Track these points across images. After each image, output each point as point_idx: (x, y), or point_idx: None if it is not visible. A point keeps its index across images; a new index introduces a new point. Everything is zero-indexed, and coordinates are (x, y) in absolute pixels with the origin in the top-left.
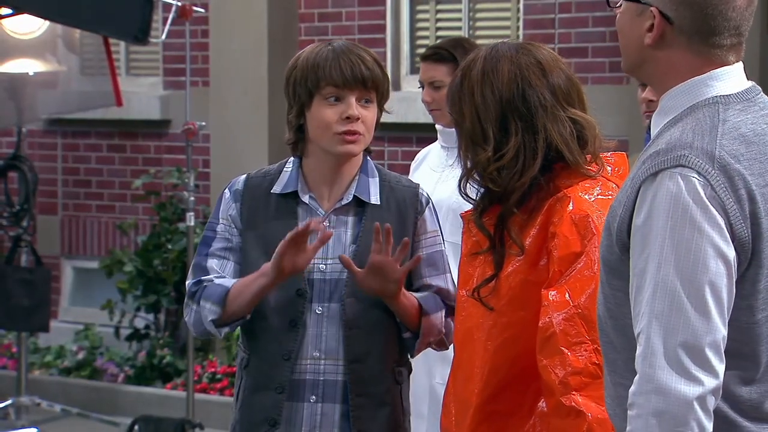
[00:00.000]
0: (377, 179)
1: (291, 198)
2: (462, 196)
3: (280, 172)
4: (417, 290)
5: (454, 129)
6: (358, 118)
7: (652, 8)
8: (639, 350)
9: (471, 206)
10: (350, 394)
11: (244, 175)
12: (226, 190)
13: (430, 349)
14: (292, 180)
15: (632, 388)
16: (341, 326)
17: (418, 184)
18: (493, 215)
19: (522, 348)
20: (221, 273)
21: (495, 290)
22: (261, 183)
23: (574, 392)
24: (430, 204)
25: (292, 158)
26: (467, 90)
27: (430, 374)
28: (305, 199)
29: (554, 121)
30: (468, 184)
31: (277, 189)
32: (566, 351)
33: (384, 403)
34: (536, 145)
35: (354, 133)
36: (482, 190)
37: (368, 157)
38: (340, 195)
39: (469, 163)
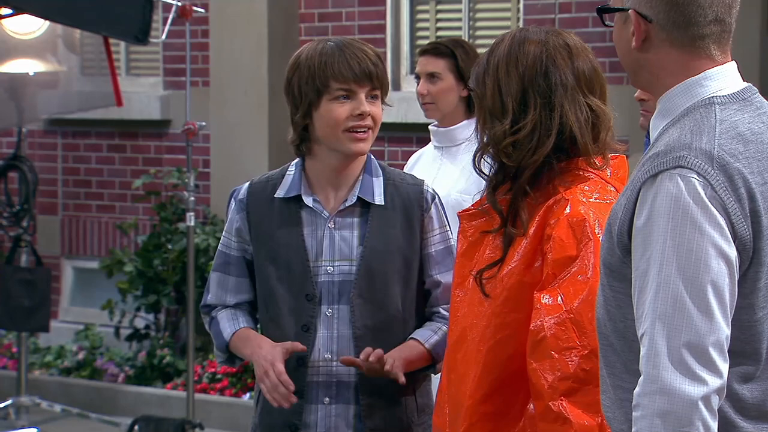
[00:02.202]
0: (381, 178)
1: (294, 202)
2: (476, 171)
3: (283, 176)
4: (427, 288)
5: (447, 128)
6: (369, 114)
7: (630, 11)
8: (643, 351)
9: (469, 205)
10: (360, 393)
11: (247, 183)
12: (231, 201)
13: None
14: (295, 183)
15: (637, 389)
16: (351, 327)
17: (423, 181)
18: (507, 194)
19: (514, 350)
20: (222, 296)
21: (494, 279)
22: (264, 188)
23: (562, 398)
24: (437, 199)
25: (294, 161)
26: (492, 66)
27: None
28: (308, 202)
29: (572, 103)
30: (483, 160)
31: (280, 193)
32: (556, 355)
33: (395, 402)
34: (551, 123)
35: (364, 129)
36: (496, 166)
37: (372, 156)
38: (344, 196)
39: (485, 138)
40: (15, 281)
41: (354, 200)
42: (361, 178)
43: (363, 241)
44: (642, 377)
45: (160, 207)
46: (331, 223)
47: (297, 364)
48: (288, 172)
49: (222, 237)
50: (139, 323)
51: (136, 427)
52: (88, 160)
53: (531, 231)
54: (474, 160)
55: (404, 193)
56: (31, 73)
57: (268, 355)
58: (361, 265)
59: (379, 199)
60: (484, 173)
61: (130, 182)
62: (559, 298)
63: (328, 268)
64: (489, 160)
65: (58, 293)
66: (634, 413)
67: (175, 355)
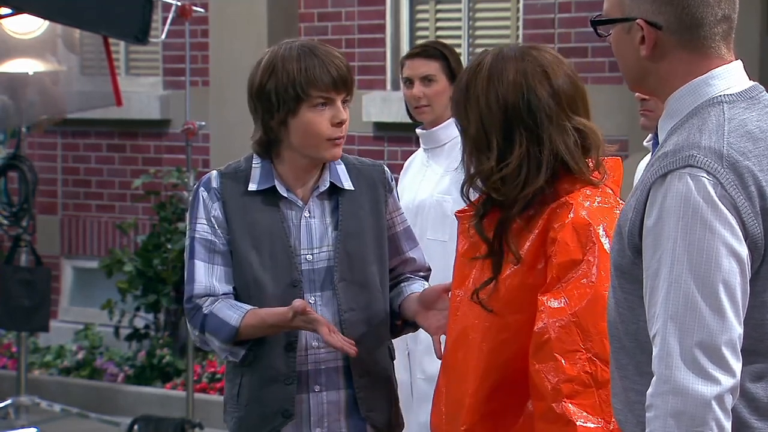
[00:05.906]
0: (343, 165)
1: (269, 192)
2: (464, 200)
3: (250, 167)
4: (398, 264)
5: (430, 130)
6: (345, 121)
7: (637, 21)
8: (655, 351)
9: (455, 204)
10: (354, 377)
11: (215, 172)
12: (202, 190)
13: (413, 345)
14: (265, 176)
15: (650, 390)
16: (337, 311)
17: (381, 162)
18: (492, 220)
19: (515, 350)
20: (211, 284)
21: (494, 292)
22: (235, 179)
23: (565, 400)
24: (395, 181)
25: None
26: (473, 96)
27: (411, 370)
28: (283, 192)
29: (559, 132)
30: (470, 189)
31: (253, 187)
32: (560, 358)
33: (385, 380)
34: (541, 157)
35: (342, 137)
36: (484, 197)
37: None
38: (314, 183)
39: (472, 169)
40: (15, 281)
41: (327, 186)
42: (327, 166)
43: (338, 225)
44: (654, 378)
45: (160, 207)
46: (306, 211)
47: (285, 350)
48: (254, 165)
49: (196, 226)
50: (139, 323)
51: (136, 427)
52: (88, 159)
53: (532, 237)
54: (461, 190)
55: (368, 175)
56: (30, 73)
57: (298, 317)
58: (338, 249)
59: (348, 185)
60: (472, 200)
61: (129, 182)
62: (564, 301)
63: (307, 256)
64: (477, 191)
65: (58, 293)
66: (647, 414)
67: (174, 355)
